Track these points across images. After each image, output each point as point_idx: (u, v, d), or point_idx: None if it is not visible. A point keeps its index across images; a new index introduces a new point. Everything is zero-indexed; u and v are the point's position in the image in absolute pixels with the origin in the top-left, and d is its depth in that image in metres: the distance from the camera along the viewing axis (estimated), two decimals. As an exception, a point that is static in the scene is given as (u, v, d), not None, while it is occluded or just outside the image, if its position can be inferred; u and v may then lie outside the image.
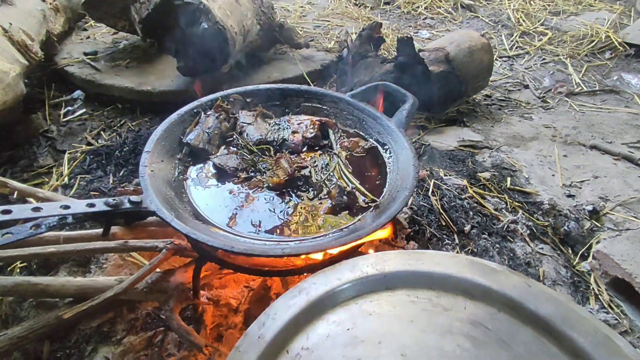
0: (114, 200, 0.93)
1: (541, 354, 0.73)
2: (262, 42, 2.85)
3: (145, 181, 1.04)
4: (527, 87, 3.03)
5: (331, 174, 1.22)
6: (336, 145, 1.36)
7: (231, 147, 1.34)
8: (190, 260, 1.25)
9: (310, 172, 1.22)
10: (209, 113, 1.39)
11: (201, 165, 1.27)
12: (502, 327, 0.78)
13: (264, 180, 1.19)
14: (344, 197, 1.12)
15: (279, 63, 3.00)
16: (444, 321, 0.80)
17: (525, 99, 2.86)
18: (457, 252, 1.49)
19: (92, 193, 1.55)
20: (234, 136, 1.37)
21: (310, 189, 1.17)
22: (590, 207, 1.78)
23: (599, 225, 1.72)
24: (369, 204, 1.13)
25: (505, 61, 3.39)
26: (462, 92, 2.53)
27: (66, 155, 1.91)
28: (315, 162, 1.28)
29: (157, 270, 1.19)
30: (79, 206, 0.87)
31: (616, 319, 1.35)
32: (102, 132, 2.35)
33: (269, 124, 1.42)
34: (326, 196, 1.14)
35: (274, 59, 3.04)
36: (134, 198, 0.96)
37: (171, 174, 1.19)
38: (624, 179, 1.96)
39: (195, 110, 1.38)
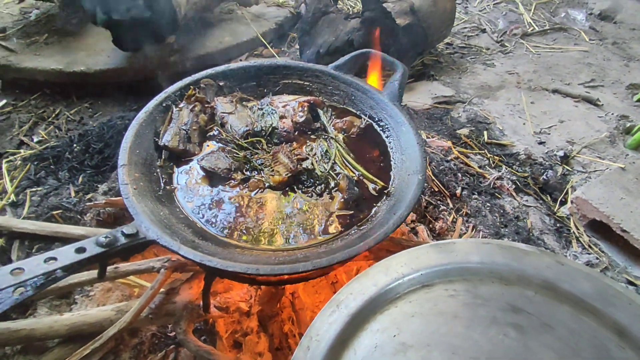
0: (105, 237, 0.78)
1: (583, 332, 0.76)
2: (207, 1, 2.52)
3: (132, 204, 0.89)
4: (484, 31, 3.03)
5: (333, 162, 1.14)
6: (330, 127, 1.26)
7: (213, 142, 1.19)
8: (192, 273, 1.15)
9: (312, 163, 1.12)
10: (181, 105, 1.21)
11: (186, 168, 1.12)
12: (541, 310, 0.80)
13: (263, 179, 1.08)
14: (355, 188, 1.05)
15: (228, 25, 2.70)
16: (486, 312, 0.81)
17: (485, 44, 2.86)
18: (454, 217, 1.52)
19: (53, 213, 1.31)
20: (215, 129, 1.22)
21: (316, 183, 1.08)
22: (561, 153, 1.87)
23: (570, 169, 1.83)
24: (380, 192, 1.08)
25: (459, 4, 3.33)
26: (427, 43, 2.46)
27: (4, 165, 1.60)
28: (312, 150, 1.18)
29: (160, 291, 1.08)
30: (67, 255, 0.73)
31: (597, 258, 1.48)
32: (35, 127, 2.02)
33: (252, 111, 1.27)
34: (335, 190, 1.07)
35: (222, 20, 2.72)
36: (127, 230, 0.82)
37: (156, 186, 1.03)
38: (586, 120, 2.07)
39: (164, 105, 1.19)
